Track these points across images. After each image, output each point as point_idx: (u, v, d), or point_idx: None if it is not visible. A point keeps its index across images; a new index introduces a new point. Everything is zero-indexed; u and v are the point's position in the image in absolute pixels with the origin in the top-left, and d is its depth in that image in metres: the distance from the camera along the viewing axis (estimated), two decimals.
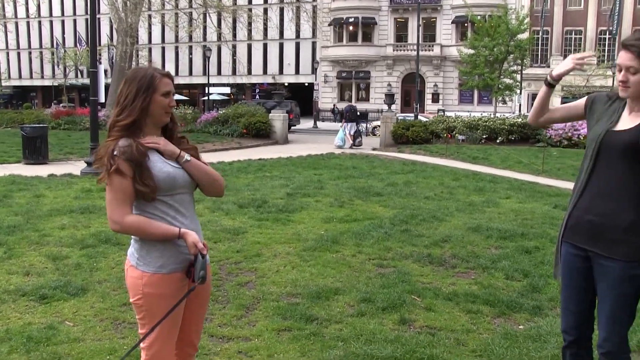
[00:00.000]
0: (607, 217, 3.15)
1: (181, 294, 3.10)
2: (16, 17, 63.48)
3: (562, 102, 54.63)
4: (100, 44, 42.47)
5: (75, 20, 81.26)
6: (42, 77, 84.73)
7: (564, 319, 3.48)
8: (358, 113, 31.68)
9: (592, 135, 3.26)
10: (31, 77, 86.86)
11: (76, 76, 75.45)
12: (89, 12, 15.92)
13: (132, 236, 3.10)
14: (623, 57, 3.07)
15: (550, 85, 3.45)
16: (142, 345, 3.10)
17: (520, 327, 5.39)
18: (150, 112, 3.04)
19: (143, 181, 2.93)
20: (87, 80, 52.83)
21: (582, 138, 24.79)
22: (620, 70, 3.09)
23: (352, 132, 28.35)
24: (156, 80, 3.04)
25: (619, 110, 3.22)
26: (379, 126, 36.71)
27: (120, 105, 3.04)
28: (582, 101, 3.46)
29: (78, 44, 67.03)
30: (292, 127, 40.27)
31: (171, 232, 3.00)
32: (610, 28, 48.99)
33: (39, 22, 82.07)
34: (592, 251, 3.24)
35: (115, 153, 2.93)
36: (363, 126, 41.78)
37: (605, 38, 55.24)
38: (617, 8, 48.80)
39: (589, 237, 3.25)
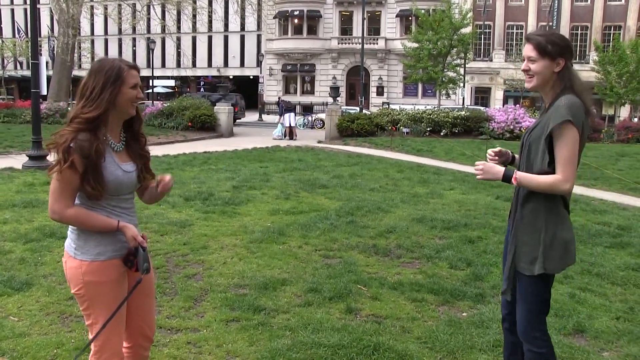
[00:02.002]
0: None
1: (121, 280, 3.10)
2: None
3: (505, 96, 55.85)
4: (40, 35, 41.58)
5: (13, 10, 79.08)
6: None
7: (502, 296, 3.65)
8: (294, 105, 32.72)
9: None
10: None
11: (15, 68, 73.44)
12: (28, 2, 15.56)
13: (70, 227, 3.08)
14: (526, 49, 3.29)
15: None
16: (89, 337, 3.08)
17: (463, 314, 5.52)
18: (118, 105, 2.99)
19: (93, 182, 2.90)
20: (27, 72, 51.33)
21: (523, 130, 25.31)
22: (524, 61, 3.31)
23: (295, 122, 28.84)
24: (124, 72, 2.98)
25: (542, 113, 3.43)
26: (322, 119, 36.92)
27: (86, 98, 2.95)
28: None
29: (17, 35, 65.28)
30: (237, 120, 40.20)
31: (110, 225, 3.00)
32: (550, 23, 49.96)
33: None
34: None
35: (71, 146, 2.86)
36: (308, 119, 41.95)
37: None
38: (556, 4, 49.86)
39: None
